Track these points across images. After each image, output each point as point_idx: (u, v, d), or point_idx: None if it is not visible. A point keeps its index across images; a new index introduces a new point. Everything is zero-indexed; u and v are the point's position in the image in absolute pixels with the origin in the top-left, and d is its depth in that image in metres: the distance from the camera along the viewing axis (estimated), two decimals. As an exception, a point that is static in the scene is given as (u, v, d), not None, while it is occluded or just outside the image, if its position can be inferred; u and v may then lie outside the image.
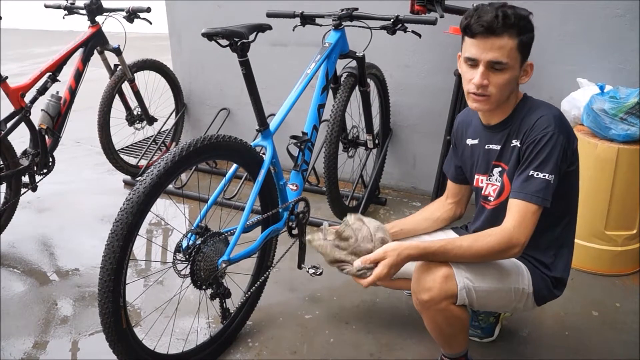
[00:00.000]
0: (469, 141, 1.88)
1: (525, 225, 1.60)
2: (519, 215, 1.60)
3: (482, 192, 1.84)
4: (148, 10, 3.28)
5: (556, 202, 1.63)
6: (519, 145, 1.68)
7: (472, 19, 1.60)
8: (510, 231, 1.59)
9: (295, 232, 2.21)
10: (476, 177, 1.87)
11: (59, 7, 3.32)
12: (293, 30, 2.64)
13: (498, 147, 1.76)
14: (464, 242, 1.64)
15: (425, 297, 1.64)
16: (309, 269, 2.03)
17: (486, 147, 1.80)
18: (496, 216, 1.74)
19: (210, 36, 1.86)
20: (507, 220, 1.62)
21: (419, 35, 2.53)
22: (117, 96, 3.44)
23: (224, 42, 1.90)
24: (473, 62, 1.64)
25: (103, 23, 3.28)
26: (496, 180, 1.78)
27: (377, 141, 3.16)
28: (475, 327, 2.11)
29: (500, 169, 1.77)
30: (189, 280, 1.81)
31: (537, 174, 1.61)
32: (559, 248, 1.79)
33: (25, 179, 2.98)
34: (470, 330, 2.07)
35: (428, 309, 1.67)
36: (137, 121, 3.67)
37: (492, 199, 1.80)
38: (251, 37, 1.95)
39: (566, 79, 2.77)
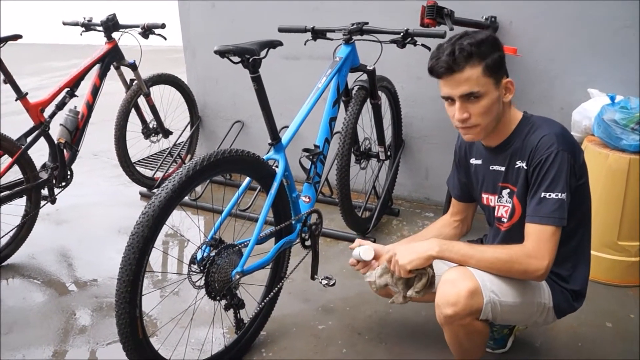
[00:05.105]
0: (473, 161, 1.90)
1: (545, 247, 1.60)
2: (537, 238, 1.61)
3: (495, 213, 1.84)
4: (163, 26, 3.35)
5: (570, 216, 1.63)
6: (524, 166, 1.69)
7: (433, 62, 1.63)
8: (530, 252, 1.61)
9: (308, 243, 2.24)
10: (484, 195, 1.88)
11: (76, 24, 3.41)
12: (305, 44, 2.68)
13: (502, 169, 1.77)
14: (484, 246, 1.72)
15: (450, 312, 1.62)
16: (322, 279, 2.06)
17: (490, 168, 1.81)
18: (510, 237, 1.75)
19: (222, 53, 1.90)
20: (527, 244, 1.63)
21: (429, 49, 2.54)
22: (133, 110, 3.51)
23: (236, 59, 1.94)
24: (450, 100, 1.66)
25: (119, 39, 3.36)
26: (506, 201, 1.79)
27: (389, 153, 3.18)
28: (489, 338, 2.11)
29: (508, 190, 1.77)
30: (203, 291, 1.84)
31: (550, 195, 1.61)
32: (575, 260, 1.79)
33: (45, 191, 3.04)
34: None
35: (451, 324, 1.66)
36: (153, 134, 3.74)
37: (505, 220, 1.81)
38: (262, 54, 1.99)
39: (577, 89, 2.78)
